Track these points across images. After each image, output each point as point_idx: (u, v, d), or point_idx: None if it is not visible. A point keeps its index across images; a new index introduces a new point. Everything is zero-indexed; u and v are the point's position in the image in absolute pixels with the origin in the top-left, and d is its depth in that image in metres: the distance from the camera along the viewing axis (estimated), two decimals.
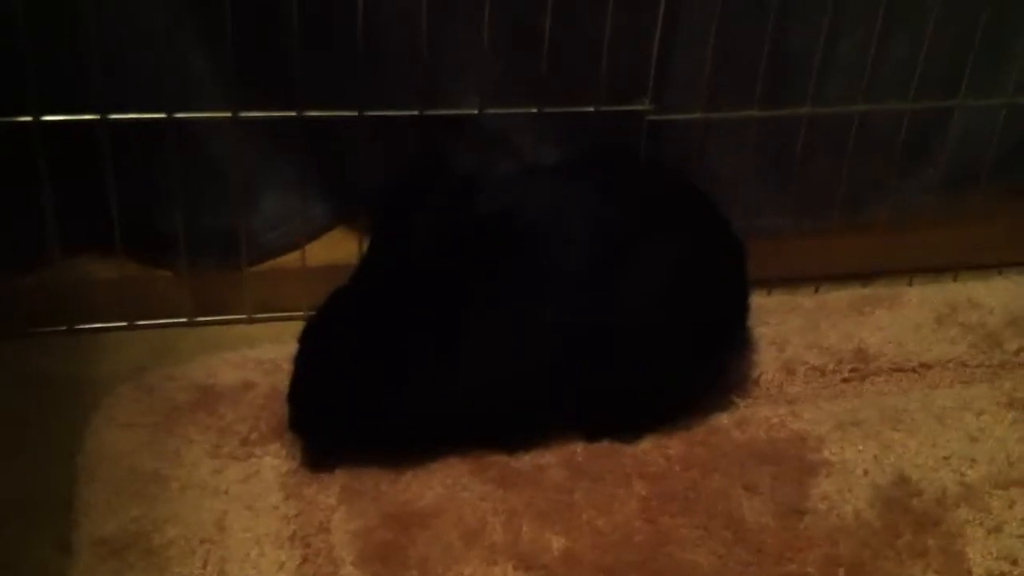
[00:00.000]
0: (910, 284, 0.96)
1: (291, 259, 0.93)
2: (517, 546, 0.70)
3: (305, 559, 0.70)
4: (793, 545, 0.71)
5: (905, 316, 0.91)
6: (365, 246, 0.81)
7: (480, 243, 0.74)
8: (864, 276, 0.95)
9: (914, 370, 0.87)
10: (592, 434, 0.79)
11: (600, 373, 0.77)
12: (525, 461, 0.77)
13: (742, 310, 0.83)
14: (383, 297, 0.75)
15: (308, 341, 0.77)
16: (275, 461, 0.77)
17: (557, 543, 0.71)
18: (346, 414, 0.75)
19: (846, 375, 0.86)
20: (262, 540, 0.71)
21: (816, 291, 0.94)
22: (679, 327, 0.78)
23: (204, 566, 0.69)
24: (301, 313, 0.87)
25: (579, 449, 0.78)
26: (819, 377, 0.86)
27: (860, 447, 0.79)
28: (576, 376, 0.76)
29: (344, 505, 0.73)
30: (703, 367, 0.81)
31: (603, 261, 0.76)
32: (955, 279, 0.96)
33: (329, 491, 0.75)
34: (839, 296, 0.93)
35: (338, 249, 0.94)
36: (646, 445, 0.79)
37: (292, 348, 0.77)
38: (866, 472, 0.77)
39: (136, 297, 0.91)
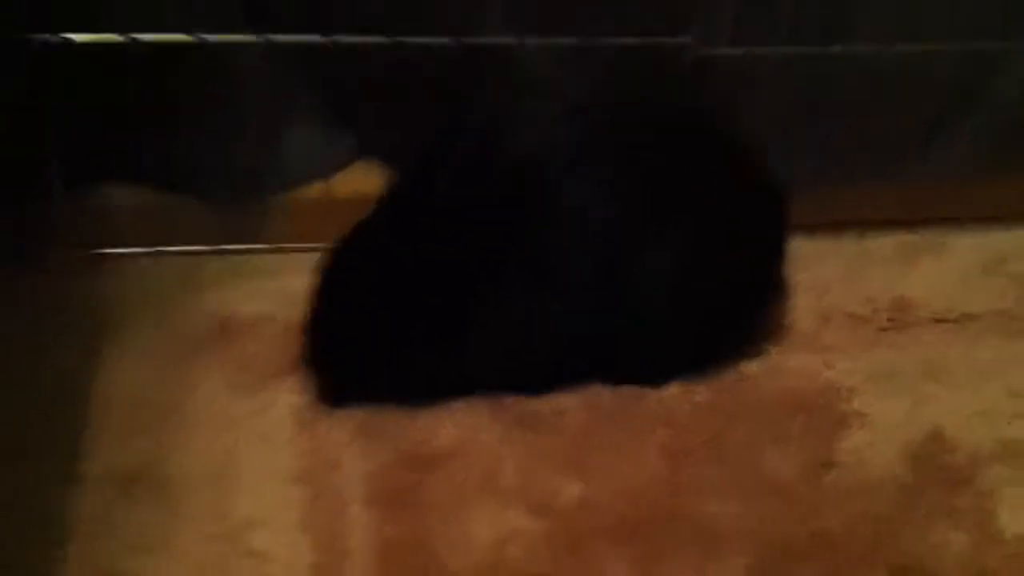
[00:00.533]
0: (957, 233, 0.92)
1: (316, 190, 0.91)
2: (531, 491, 0.69)
3: (315, 496, 0.69)
4: (818, 500, 0.69)
5: (950, 265, 0.88)
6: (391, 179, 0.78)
7: (508, 185, 0.71)
8: (910, 223, 0.91)
9: (956, 321, 0.83)
10: (618, 378, 0.77)
11: (628, 318, 0.74)
12: (546, 404, 0.75)
13: (778, 258, 0.80)
14: (406, 234, 0.72)
15: (327, 275, 0.75)
16: (290, 396, 0.76)
17: (572, 489, 0.69)
18: (362, 354, 0.73)
19: (884, 324, 0.83)
20: (272, 475, 0.70)
21: (860, 237, 0.90)
22: (710, 272, 0.75)
23: (212, 501, 0.68)
24: (324, 245, 0.86)
25: (603, 393, 0.76)
26: (856, 326, 0.83)
27: (894, 400, 0.76)
28: (604, 321, 0.74)
29: (357, 442, 0.72)
30: (734, 314, 0.78)
31: (634, 206, 0.73)
32: (1007, 228, 0.92)
33: (343, 427, 0.73)
34: (883, 243, 0.89)
35: (364, 182, 0.91)
36: (672, 391, 0.76)
37: (310, 281, 0.76)
38: (899, 426, 0.74)
39: (159, 224, 0.89)
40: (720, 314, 0.77)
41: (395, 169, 0.79)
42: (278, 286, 0.85)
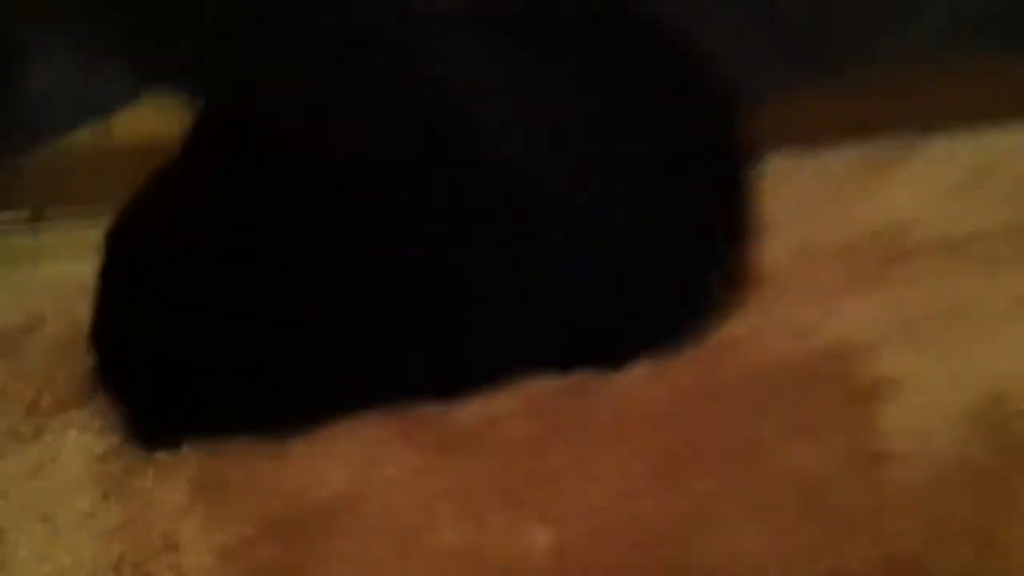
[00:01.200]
0: (938, 138, 0.73)
1: (85, 140, 0.64)
2: (484, 547, 0.46)
3: None
4: (881, 508, 0.49)
5: (939, 176, 0.69)
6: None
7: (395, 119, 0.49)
8: (885, 130, 0.72)
9: (966, 242, 0.64)
10: (561, 364, 0.54)
11: (567, 279, 0.52)
12: (472, 413, 0.52)
13: (742, 185, 0.59)
14: (238, 183, 0.48)
15: (116, 254, 0.49)
16: (83, 438, 0.50)
17: (536, 538, 0.46)
18: (182, 365, 0.48)
19: (882, 255, 0.63)
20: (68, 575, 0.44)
21: (828, 152, 0.70)
22: (664, 212, 0.55)
23: None
24: (105, 211, 0.59)
25: (546, 388, 0.53)
26: (850, 261, 0.63)
27: (927, 356, 0.57)
28: (535, 289, 0.52)
29: (200, 505, 0.47)
30: (698, 261, 0.57)
31: (570, 140, 0.54)
32: (996, 128, 0.74)
33: (173, 483, 0.48)
34: (855, 156, 0.70)
35: (152, 121, 0.65)
36: (638, 374, 0.54)
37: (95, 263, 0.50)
38: (946, 391, 0.55)
39: None
40: (681, 263, 0.56)
41: (202, 100, 0.54)
42: (45, 276, 0.58)
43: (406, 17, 0.54)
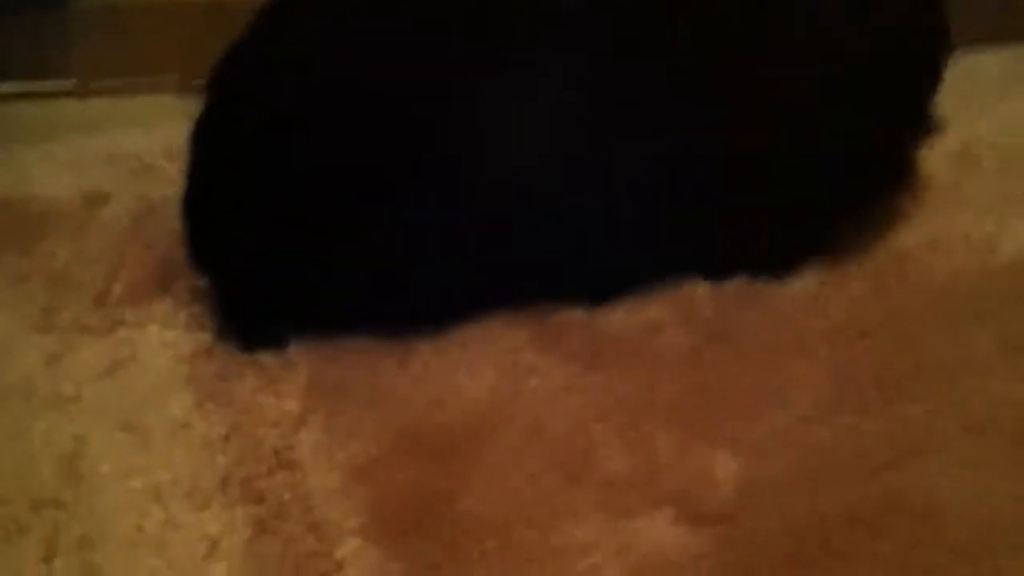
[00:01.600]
0: None
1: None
2: (658, 473, 0.38)
3: (260, 525, 0.35)
4: None
5: None
6: None
7: None
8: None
9: None
10: (717, 270, 0.46)
11: (727, 180, 0.45)
12: (621, 321, 0.44)
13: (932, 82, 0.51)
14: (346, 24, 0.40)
15: (218, 103, 0.41)
16: (167, 334, 0.42)
17: (723, 464, 0.39)
18: (290, 251, 0.40)
19: None
20: (164, 492, 0.36)
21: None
22: (841, 98, 0.46)
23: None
24: (175, 78, 0.51)
25: (700, 295, 0.45)
26: (1014, 171, 0.55)
27: None
28: (690, 186, 0.44)
29: (317, 417, 0.39)
30: (874, 164, 0.49)
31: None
32: None
33: (281, 388, 0.40)
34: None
35: None
36: (806, 284, 0.46)
37: (174, 130, 0.43)
38: None
39: None
40: (858, 158, 0.48)
41: None
42: (105, 145, 0.50)
43: None
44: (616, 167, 0.43)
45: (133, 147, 0.49)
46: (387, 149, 0.41)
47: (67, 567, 0.34)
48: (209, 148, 0.41)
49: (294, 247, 0.40)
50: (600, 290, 0.44)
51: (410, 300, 0.42)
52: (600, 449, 0.39)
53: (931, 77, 0.48)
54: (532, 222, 0.42)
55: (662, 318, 0.44)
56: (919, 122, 0.48)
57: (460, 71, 0.41)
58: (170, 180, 0.48)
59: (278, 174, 0.39)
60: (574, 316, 0.44)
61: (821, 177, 0.46)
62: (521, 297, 0.43)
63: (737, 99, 0.43)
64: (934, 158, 0.54)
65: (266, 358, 0.41)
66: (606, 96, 0.42)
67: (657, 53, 0.43)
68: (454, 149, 0.41)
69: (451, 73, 0.41)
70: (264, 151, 0.39)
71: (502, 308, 0.43)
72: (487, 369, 0.41)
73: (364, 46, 0.40)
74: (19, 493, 0.36)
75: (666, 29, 0.43)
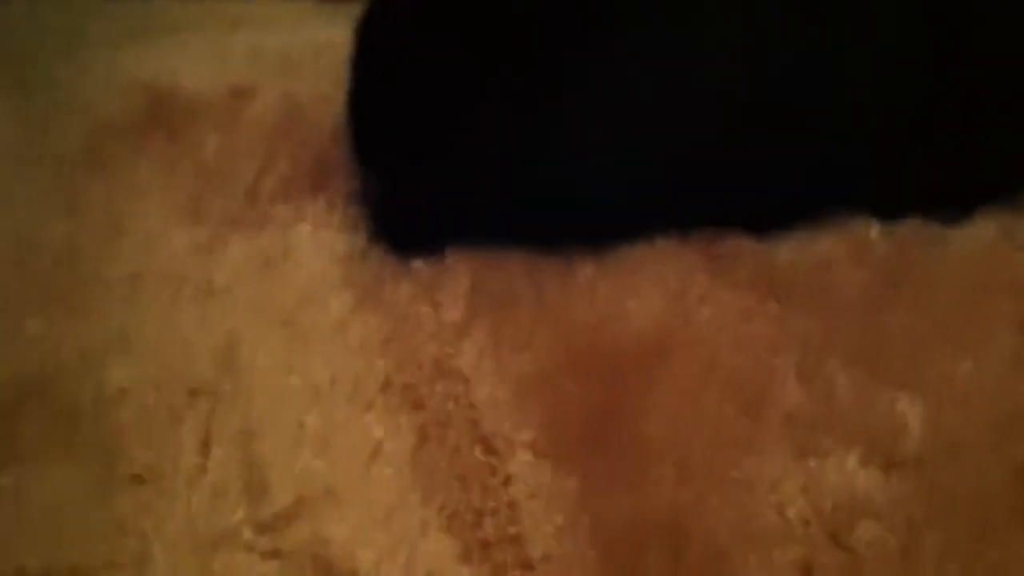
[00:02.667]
0: None
1: None
2: (841, 414, 0.36)
3: (424, 433, 0.33)
4: None
5: None
6: None
7: None
8: None
9: None
10: (890, 211, 0.44)
11: (916, 111, 0.42)
12: (793, 253, 0.41)
13: None
14: None
15: (377, 22, 0.39)
16: (320, 234, 0.40)
17: (908, 408, 0.36)
18: (459, 154, 0.38)
19: None
20: (324, 392, 0.34)
21: None
22: None
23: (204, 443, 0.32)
24: None
25: (874, 236, 0.42)
26: None
27: None
28: (873, 114, 0.41)
29: (481, 327, 0.37)
30: None
31: None
32: None
33: (441, 296, 0.38)
34: None
35: None
36: (984, 232, 0.43)
37: (317, 32, 0.44)
38: None
39: None
40: None
41: None
42: (253, 40, 0.48)
43: None
44: (798, 85, 0.40)
45: (277, 45, 0.47)
46: (548, 52, 0.38)
47: (225, 458, 0.32)
48: (375, 46, 0.38)
49: (455, 150, 0.37)
50: (769, 220, 0.42)
51: (570, 215, 0.40)
52: (778, 384, 0.36)
53: None
54: (703, 144, 0.40)
55: (835, 255, 0.41)
56: None
57: None
58: (317, 79, 0.46)
59: (442, 74, 0.37)
60: (743, 245, 0.41)
61: (1011, 117, 0.43)
62: (685, 221, 0.41)
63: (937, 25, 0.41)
64: None
65: (422, 266, 0.39)
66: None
67: None
68: (620, 55, 0.39)
69: None
70: (430, 51, 0.37)
71: (665, 231, 0.41)
72: (656, 293, 0.39)
73: None
74: (175, 380, 0.34)
75: None
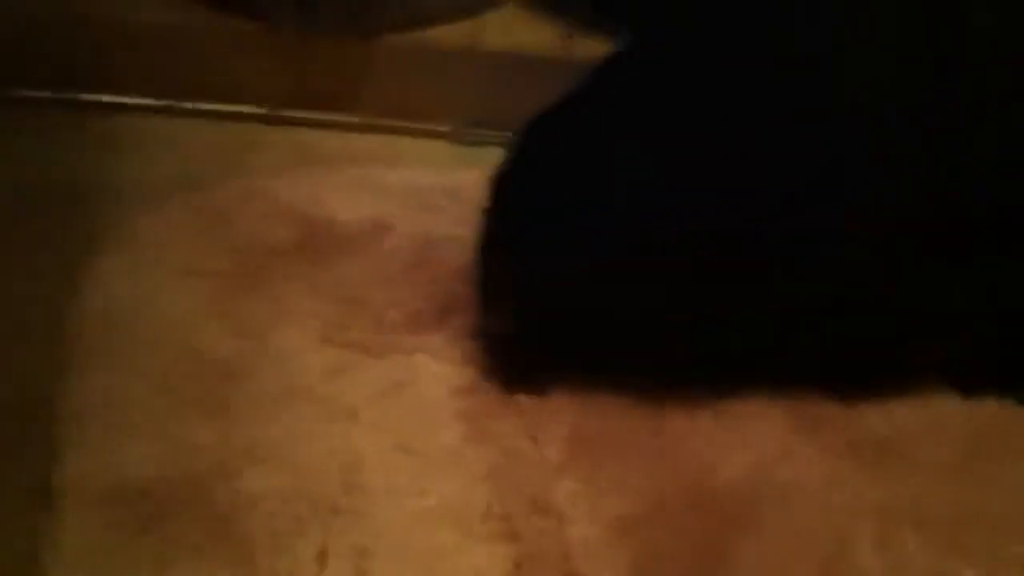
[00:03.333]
0: None
1: (450, 34, 0.57)
2: None
3: (518, 566, 0.37)
4: None
5: None
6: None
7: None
8: None
9: None
10: (976, 385, 0.46)
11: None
12: (881, 421, 0.44)
13: None
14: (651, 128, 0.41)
15: (516, 176, 0.43)
16: (438, 366, 0.44)
17: None
18: (585, 299, 0.41)
19: None
20: (433, 517, 0.38)
21: None
22: None
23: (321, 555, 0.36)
24: (444, 128, 0.54)
25: (957, 410, 0.45)
26: None
27: None
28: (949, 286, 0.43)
29: (578, 467, 0.40)
30: None
31: None
32: None
33: (543, 435, 0.41)
34: None
35: (532, 31, 0.58)
36: None
37: (452, 173, 0.49)
38: None
39: (201, 62, 0.55)
40: None
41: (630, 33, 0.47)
42: (390, 178, 0.53)
43: None
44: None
45: (416, 184, 0.52)
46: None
47: (339, 570, 0.36)
48: (508, 201, 0.42)
49: (578, 306, 0.41)
50: (854, 380, 0.45)
51: (670, 367, 0.43)
52: (854, 548, 0.39)
53: None
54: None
55: (919, 424, 0.44)
56: None
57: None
58: (450, 219, 0.50)
59: (578, 233, 0.41)
60: (830, 408, 0.44)
61: None
62: (781, 378, 0.44)
63: None
64: None
65: (527, 402, 0.43)
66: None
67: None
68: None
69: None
70: (566, 213, 0.41)
71: (758, 387, 0.44)
72: (744, 448, 0.42)
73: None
74: (302, 493, 0.38)
75: None
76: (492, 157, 0.57)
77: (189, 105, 0.56)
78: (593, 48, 0.56)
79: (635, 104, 0.43)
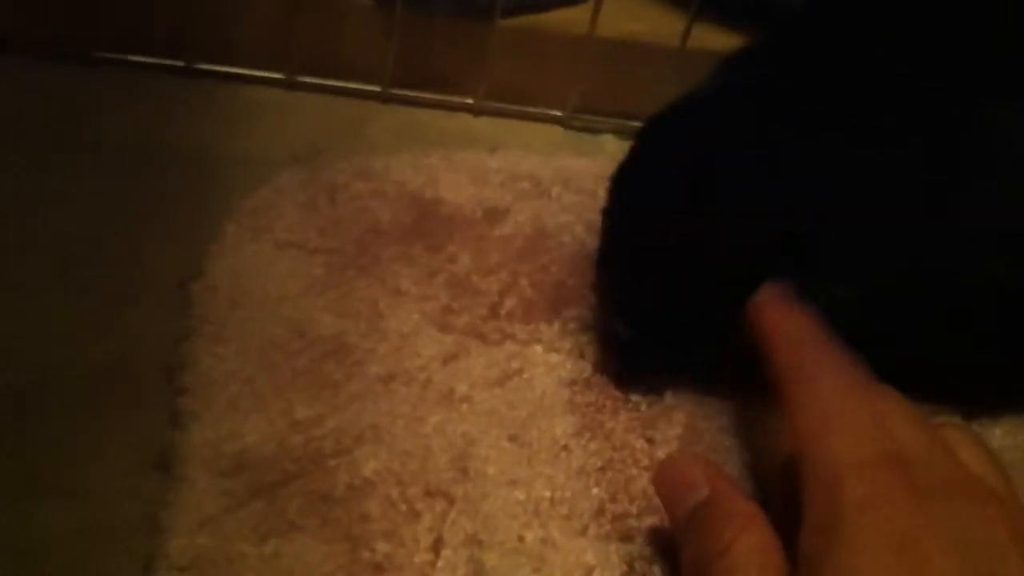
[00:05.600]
0: None
1: (565, 19, 0.57)
2: None
3: (631, 566, 0.36)
4: None
5: None
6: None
7: None
8: None
9: None
10: None
11: None
12: (1002, 438, 0.43)
13: None
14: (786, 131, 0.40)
15: (638, 175, 0.42)
16: (551, 357, 0.43)
17: None
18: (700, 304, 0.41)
19: None
20: (544, 510, 0.38)
21: None
22: None
23: (436, 543, 0.36)
24: (557, 113, 0.54)
25: None
26: None
27: None
28: None
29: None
30: None
31: None
32: None
33: (654, 434, 0.41)
34: None
35: (647, 20, 0.58)
36: None
37: (564, 160, 0.50)
38: None
39: (316, 36, 0.55)
40: None
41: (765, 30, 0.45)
42: (506, 164, 0.53)
43: None
44: None
45: (528, 169, 0.52)
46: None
47: (454, 559, 0.36)
48: (629, 203, 0.42)
49: (699, 309, 0.40)
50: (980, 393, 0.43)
51: None
52: None
53: None
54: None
55: None
56: None
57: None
58: (562, 207, 0.50)
59: (696, 241, 0.40)
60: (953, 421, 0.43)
61: None
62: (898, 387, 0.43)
63: None
64: None
65: (640, 400, 0.42)
66: None
67: None
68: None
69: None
70: (688, 220, 0.40)
71: None
72: None
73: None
74: (415, 478, 0.38)
75: None
76: (605, 144, 0.57)
77: (304, 79, 0.56)
78: (711, 38, 0.55)
79: (768, 107, 0.41)
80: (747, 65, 0.43)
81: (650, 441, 0.41)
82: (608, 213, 0.42)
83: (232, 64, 0.56)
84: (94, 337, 0.43)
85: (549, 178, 0.51)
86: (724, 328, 0.40)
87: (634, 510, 0.38)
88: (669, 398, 0.42)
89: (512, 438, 0.40)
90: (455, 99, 0.57)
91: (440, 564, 0.36)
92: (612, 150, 0.56)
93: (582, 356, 0.43)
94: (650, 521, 0.38)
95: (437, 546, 0.36)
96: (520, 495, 0.38)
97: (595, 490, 0.39)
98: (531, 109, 0.57)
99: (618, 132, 0.57)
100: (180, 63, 0.55)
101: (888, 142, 0.40)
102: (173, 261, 0.46)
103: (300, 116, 0.55)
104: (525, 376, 0.42)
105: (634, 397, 0.42)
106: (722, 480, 0.35)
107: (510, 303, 0.45)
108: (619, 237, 0.41)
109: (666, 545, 0.37)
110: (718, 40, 0.54)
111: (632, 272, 0.41)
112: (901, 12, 0.42)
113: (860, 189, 0.39)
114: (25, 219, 0.47)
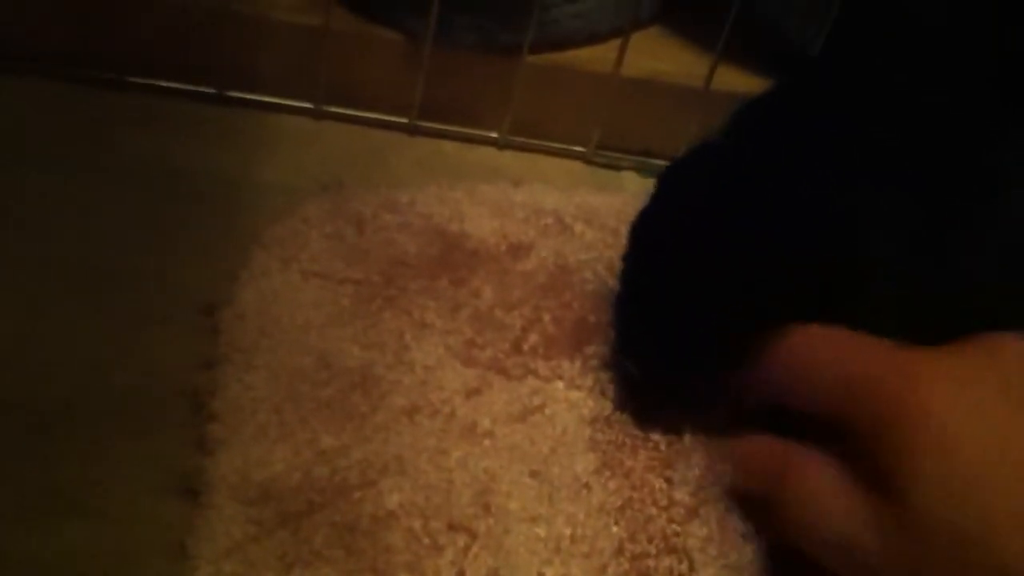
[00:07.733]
0: None
1: (590, 56, 0.58)
2: None
3: None
4: None
5: None
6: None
7: None
8: None
9: None
10: None
11: None
12: None
13: None
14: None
15: (658, 222, 0.42)
16: (572, 394, 0.44)
17: None
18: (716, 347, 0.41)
19: None
20: (564, 547, 0.38)
21: None
22: None
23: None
24: (580, 149, 0.54)
25: None
26: None
27: None
28: None
29: (709, 510, 0.40)
30: None
31: None
32: None
33: (674, 475, 0.41)
34: None
35: (666, 56, 0.58)
36: None
37: (587, 196, 0.50)
38: None
39: (343, 67, 0.56)
40: None
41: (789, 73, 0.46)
42: (531, 199, 0.53)
43: None
44: None
45: (552, 205, 0.52)
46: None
47: None
48: (652, 250, 0.42)
49: (715, 352, 0.41)
50: None
51: None
52: None
53: None
54: None
55: None
56: None
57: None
58: (585, 244, 0.51)
59: (713, 291, 0.40)
60: None
61: None
62: None
63: None
64: None
65: (660, 439, 0.43)
66: None
67: None
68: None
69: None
70: (708, 267, 0.40)
71: None
72: None
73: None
74: (439, 512, 0.39)
75: None
76: (626, 181, 0.58)
77: (331, 108, 0.57)
78: (735, 80, 0.56)
79: (787, 153, 0.42)
80: (763, 111, 0.44)
81: (668, 481, 0.41)
82: (627, 259, 0.42)
83: (261, 92, 0.56)
84: (119, 360, 0.44)
85: (572, 214, 0.52)
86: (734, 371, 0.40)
87: (652, 550, 0.39)
88: (688, 438, 0.43)
89: (533, 474, 0.41)
90: (480, 132, 0.58)
91: None
92: (633, 187, 0.57)
93: (603, 394, 0.44)
94: (668, 561, 0.39)
95: None
96: (541, 531, 0.39)
97: (615, 528, 0.39)
98: (554, 144, 0.58)
99: (639, 169, 0.58)
100: (211, 90, 0.55)
101: (906, 184, 0.40)
102: (197, 286, 0.46)
103: (326, 145, 0.56)
104: (547, 412, 0.43)
105: (654, 436, 0.43)
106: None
107: (533, 338, 0.46)
108: (637, 283, 0.42)
109: None
110: (742, 82, 0.55)
111: (648, 317, 0.42)
112: (916, 57, 0.42)
113: (882, 233, 0.40)
114: (52, 242, 0.47)
